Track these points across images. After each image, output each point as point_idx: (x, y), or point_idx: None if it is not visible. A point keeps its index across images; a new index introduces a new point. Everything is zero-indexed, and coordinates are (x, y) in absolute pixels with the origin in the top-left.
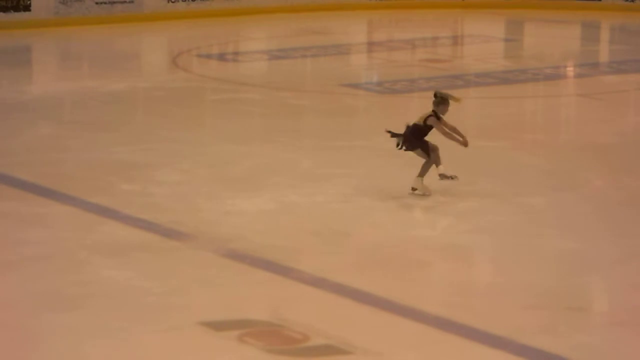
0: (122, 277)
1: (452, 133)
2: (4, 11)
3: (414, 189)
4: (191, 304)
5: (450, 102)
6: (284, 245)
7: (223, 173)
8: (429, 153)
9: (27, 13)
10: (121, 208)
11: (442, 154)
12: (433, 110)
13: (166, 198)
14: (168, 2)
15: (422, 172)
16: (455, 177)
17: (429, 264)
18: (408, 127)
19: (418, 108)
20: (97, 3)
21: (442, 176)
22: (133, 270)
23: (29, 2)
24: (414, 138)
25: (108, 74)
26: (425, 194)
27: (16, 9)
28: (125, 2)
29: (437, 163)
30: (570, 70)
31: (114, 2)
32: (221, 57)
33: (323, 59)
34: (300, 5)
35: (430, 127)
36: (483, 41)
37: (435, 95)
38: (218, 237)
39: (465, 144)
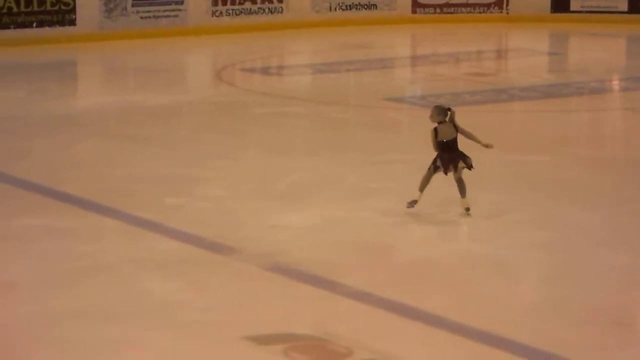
0: (167, 290)
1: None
2: (50, 25)
3: (467, 210)
4: (235, 318)
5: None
6: (328, 260)
7: (267, 187)
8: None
9: (72, 27)
10: (166, 222)
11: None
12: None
13: (210, 212)
14: (212, 16)
15: (463, 191)
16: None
17: (475, 279)
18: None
19: (462, 122)
20: (141, 17)
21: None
22: (177, 283)
23: (74, 17)
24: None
25: (152, 88)
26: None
27: (61, 23)
28: (169, 16)
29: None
30: (615, 84)
31: (159, 16)
32: (265, 71)
33: (367, 73)
34: (344, 19)
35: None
36: (527, 55)
37: (448, 110)
38: (262, 251)
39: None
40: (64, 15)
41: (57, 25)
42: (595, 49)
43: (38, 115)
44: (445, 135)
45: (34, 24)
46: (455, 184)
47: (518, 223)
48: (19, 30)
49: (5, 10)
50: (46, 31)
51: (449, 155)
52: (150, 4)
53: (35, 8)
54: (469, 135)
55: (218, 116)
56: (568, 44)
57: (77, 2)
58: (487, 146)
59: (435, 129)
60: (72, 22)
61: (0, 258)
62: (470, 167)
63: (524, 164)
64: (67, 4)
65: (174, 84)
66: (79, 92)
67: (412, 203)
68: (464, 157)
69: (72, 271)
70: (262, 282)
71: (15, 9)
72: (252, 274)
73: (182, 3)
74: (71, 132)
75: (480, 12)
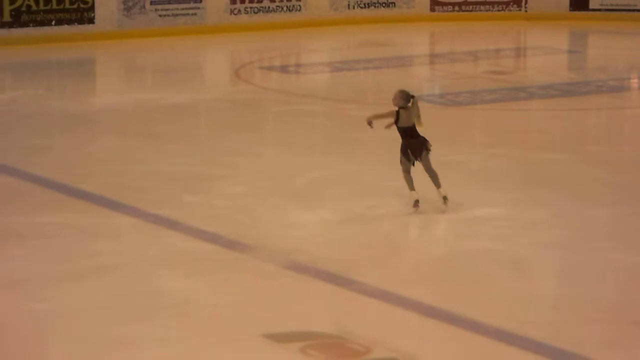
0: (185, 288)
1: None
2: (69, 24)
3: (445, 199)
4: (254, 316)
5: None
6: (346, 258)
7: (285, 185)
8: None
9: (90, 25)
10: (184, 220)
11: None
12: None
13: (229, 210)
14: (230, 14)
15: (437, 181)
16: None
17: (492, 276)
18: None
19: (481, 120)
20: (160, 15)
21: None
22: (196, 281)
23: (92, 15)
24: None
25: (171, 86)
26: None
27: (80, 21)
28: (188, 14)
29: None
30: (634, 82)
31: (177, 15)
32: (283, 69)
33: (385, 71)
34: (363, 17)
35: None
36: (546, 53)
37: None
38: (279, 249)
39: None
40: (83, 14)
41: (76, 24)
42: (615, 47)
43: (56, 113)
44: (406, 121)
45: (53, 22)
46: (427, 176)
47: (535, 221)
48: (38, 28)
49: (24, 9)
50: (65, 29)
51: (414, 141)
52: (169, 2)
53: (54, 6)
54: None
55: (236, 114)
56: (587, 42)
57: (95, 0)
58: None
59: (398, 114)
60: (91, 20)
61: (18, 254)
62: (428, 149)
63: (542, 162)
64: (85, 2)
65: (192, 82)
66: (98, 90)
67: (416, 203)
68: (425, 142)
69: (90, 268)
70: (280, 279)
71: (34, 7)
72: (269, 272)
73: (200, 1)
74: (89, 129)
75: (498, 10)
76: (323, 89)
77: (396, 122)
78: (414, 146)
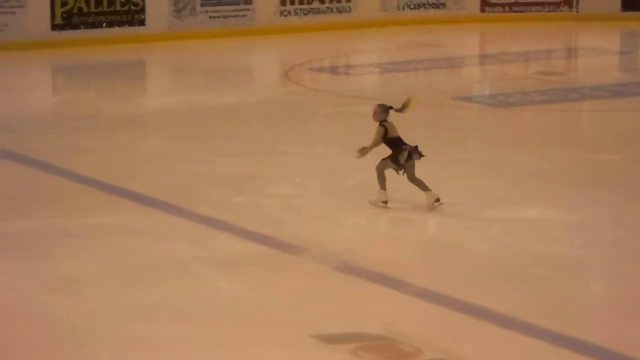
0: (234, 289)
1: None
2: (120, 25)
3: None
4: (304, 317)
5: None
6: (396, 259)
7: (334, 186)
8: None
9: (141, 27)
10: (233, 220)
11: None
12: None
13: (278, 211)
14: (280, 15)
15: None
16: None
17: (543, 277)
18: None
19: (531, 121)
20: (210, 17)
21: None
22: (245, 282)
23: (143, 17)
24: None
25: (220, 87)
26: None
27: (131, 23)
28: (238, 15)
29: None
30: None
31: (227, 16)
32: (333, 70)
33: (435, 72)
34: (413, 18)
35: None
36: (597, 54)
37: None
38: (329, 250)
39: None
40: (134, 16)
41: (127, 25)
42: None
43: (107, 115)
44: (394, 131)
45: (104, 24)
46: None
47: (588, 222)
48: (89, 30)
49: (75, 11)
50: (116, 31)
51: (407, 147)
52: (219, 4)
53: (105, 8)
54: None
55: (286, 115)
56: (639, 43)
57: (146, 2)
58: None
59: (385, 127)
60: (142, 22)
61: (71, 255)
62: (422, 155)
63: (595, 163)
64: (136, 4)
65: (242, 83)
66: (148, 92)
67: (386, 203)
68: (417, 148)
69: (140, 269)
70: (330, 281)
71: (85, 9)
72: (319, 273)
73: (250, 3)
74: (140, 131)
75: (549, 11)
76: (373, 90)
77: (384, 136)
78: (408, 152)
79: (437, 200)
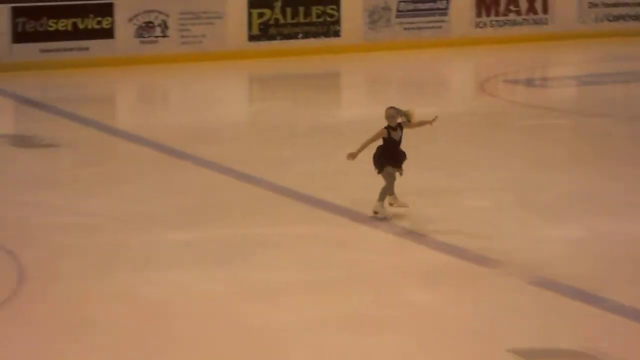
0: (429, 301)
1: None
2: (315, 37)
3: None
4: (499, 331)
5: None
6: (596, 274)
7: (531, 199)
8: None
9: (336, 39)
10: (429, 232)
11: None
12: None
13: (474, 223)
14: (476, 27)
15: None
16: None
17: None
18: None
19: None
20: (405, 28)
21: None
22: (440, 295)
23: (338, 28)
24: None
25: (415, 99)
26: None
27: (326, 34)
28: (433, 27)
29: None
30: None
31: (422, 27)
32: (529, 82)
33: (635, 85)
34: (611, 30)
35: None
36: None
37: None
38: (527, 265)
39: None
40: (329, 27)
41: (322, 37)
42: None
43: (302, 125)
44: (397, 134)
45: (300, 36)
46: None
47: None
48: (285, 41)
49: (272, 22)
50: (311, 42)
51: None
52: (414, 15)
53: (301, 20)
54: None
55: (481, 128)
56: None
57: (341, 13)
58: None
59: (389, 130)
60: (337, 34)
61: (270, 264)
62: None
63: None
64: (331, 16)
65: (437, 95)
66: (343, 103)
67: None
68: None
69: (336, 279)
70: (527, 295)
71: (281, 21)
72: (516, 287)
73: (446, 14)
74: (334, 142)
75: None
76: (570, 102)
77: (388, 137)
78: (401, 156)
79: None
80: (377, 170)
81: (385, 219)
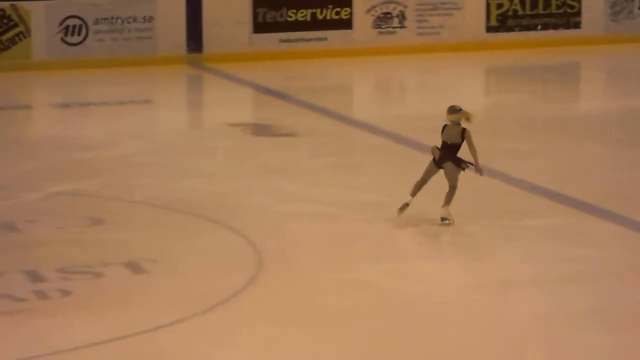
0: None
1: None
2: (555, 28)
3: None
4: None
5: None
6: None
7: None
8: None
9: (576, 30)
10: None
11: None
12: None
13: None
14: None
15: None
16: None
17: None
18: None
19: None
20: None
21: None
22: None
23: (579, 20)
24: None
25: None
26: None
27: (566, 26)
28: None
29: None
30: None
31: None
32: None
33: None
34: None
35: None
36: None
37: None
38: None
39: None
40: (569, 18)
41: (562, 28)
42: None
43: (540, 117)
44: (449, 137)
45: (539, 27)
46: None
47: None
48: (523, 32)
49: (510, 13)
50: (550, 34)
51: (446, 154)
52: None
53: (540, 11)
54: (472, 151)
55: None
56: None
57: (582, 5)
58: (478, 172)
59: (445, 126)
60: (577, 25)
61: (506, 258)
62: (463, 168)
63: None
64: (572, 7)
65: None
66: (582, 96)
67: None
68: (458, 162)
69: (569, 273)
70: None
71: (520, 12)
72: None
73: None
74: (573, 135)
75: None
76: None
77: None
78: (443, 156)
79: (443, 219)
80: (461, 169)
81: (451, 223)
